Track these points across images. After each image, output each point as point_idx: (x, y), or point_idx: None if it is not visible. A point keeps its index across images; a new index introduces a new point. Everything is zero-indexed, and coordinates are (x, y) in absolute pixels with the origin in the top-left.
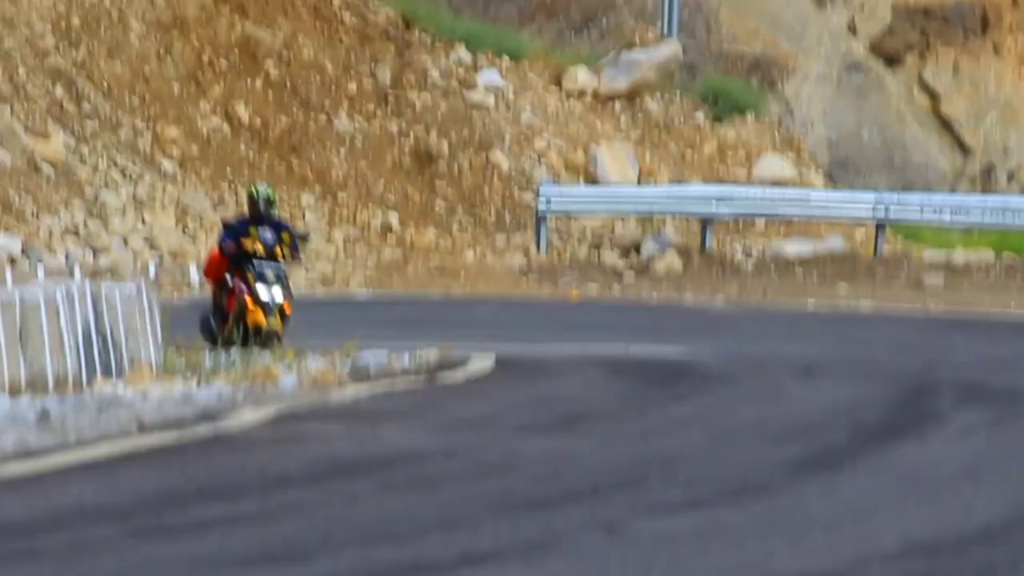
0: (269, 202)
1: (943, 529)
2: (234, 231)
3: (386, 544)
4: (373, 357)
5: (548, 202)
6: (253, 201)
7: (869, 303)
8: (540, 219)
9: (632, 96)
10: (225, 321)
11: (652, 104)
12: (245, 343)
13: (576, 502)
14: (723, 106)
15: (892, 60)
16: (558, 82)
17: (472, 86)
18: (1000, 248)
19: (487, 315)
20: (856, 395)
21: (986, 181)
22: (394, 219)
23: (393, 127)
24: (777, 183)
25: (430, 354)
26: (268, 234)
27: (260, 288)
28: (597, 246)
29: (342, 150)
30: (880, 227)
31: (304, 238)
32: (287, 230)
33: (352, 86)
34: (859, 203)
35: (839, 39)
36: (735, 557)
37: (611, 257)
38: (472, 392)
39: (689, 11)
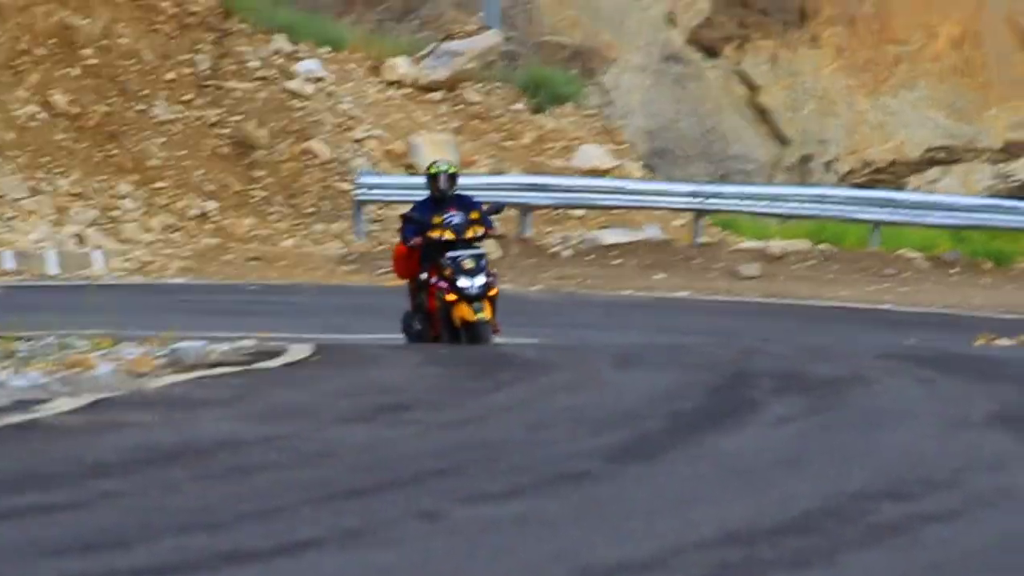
0: (452, 179)
1: (760, 517)
2: (416, 222)
3: (204, 532)
4: (190, 346)
5: (366, 190)
6: (435, 181)
7: (686, 293)
8: (358, 207)
9: (452, 86)
10: (431, 323)
11: (472, 94)
12: (457, 340)
13: (396, 490)
14: (543, 96)
15: (711, 51)
16: (378, 72)
17: (291, 76)
18: (816, 238)
19: (305, 303)
20: (673, 383)
21: (803, 172)
22: (212, 207)
23: (212, 116)
24: (595, 173)
25: (247, 343)
26: (456, 217)
27: (460, 280)
28: None
29: (160, 138)
30: (697, 217)
31: (499, 209)
32: (476, 207)
33: (171, 74)
34: (676, 193)
35: (658, 30)
36: (554, 545)
37: None
38: (291, 380)
39: (510, 1)
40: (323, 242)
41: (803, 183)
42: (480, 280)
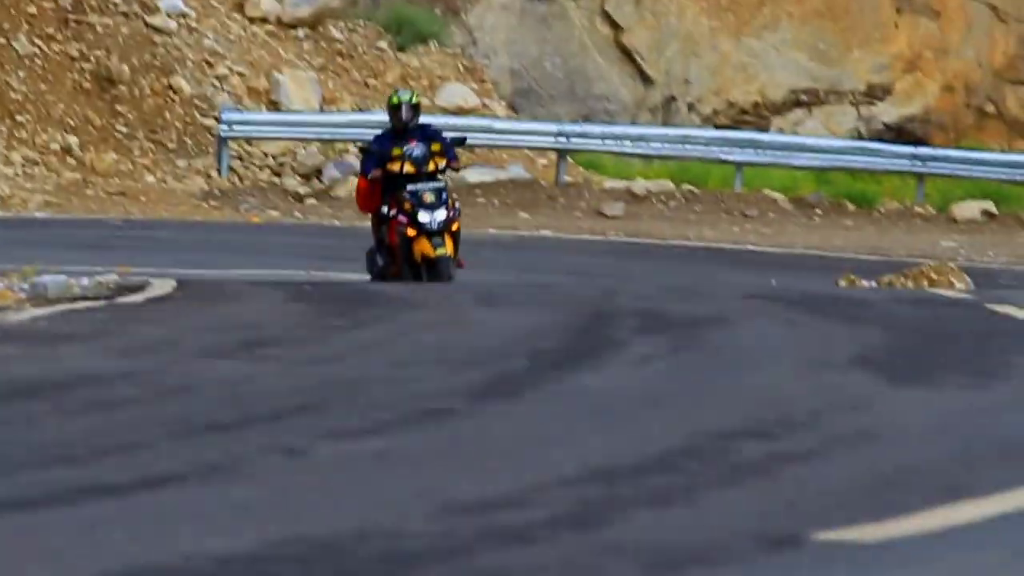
0: (415, 109)
1: (621, 455)
2: (376, 155)
3: (64, 466)
4: (52, 280)
5: (230, 127)
6: (396, 111)
7: (550, 232)
8: (222, 144)
9: (315, 24)
10: (393, 259)
11: (335, 32)
12: (419, 277)
13: (256, 426)
14: (406, 35)
15: None
16: (241, 9)
17: (154, 11)
18: (680, 179)
19: (167, 238)
20: (536, 322)
21: (667, 112)
22: (74, 142)
23: (73, 50)
24: (460, 111)
25: (109, 277)
26: (417, 149)
27: (420, 214)
28: (278, 173)
29: (21, 72)
30: (561, 157)
31: (460, 142)
32: (438, 139)
33: (32, 8)
34: (540, 132)
35: None
36: (415, 482)
37: (293, 183)
38: (152, 316)
39: None
40: (186, 178)
41: (667, 124)
42: (441, 214)
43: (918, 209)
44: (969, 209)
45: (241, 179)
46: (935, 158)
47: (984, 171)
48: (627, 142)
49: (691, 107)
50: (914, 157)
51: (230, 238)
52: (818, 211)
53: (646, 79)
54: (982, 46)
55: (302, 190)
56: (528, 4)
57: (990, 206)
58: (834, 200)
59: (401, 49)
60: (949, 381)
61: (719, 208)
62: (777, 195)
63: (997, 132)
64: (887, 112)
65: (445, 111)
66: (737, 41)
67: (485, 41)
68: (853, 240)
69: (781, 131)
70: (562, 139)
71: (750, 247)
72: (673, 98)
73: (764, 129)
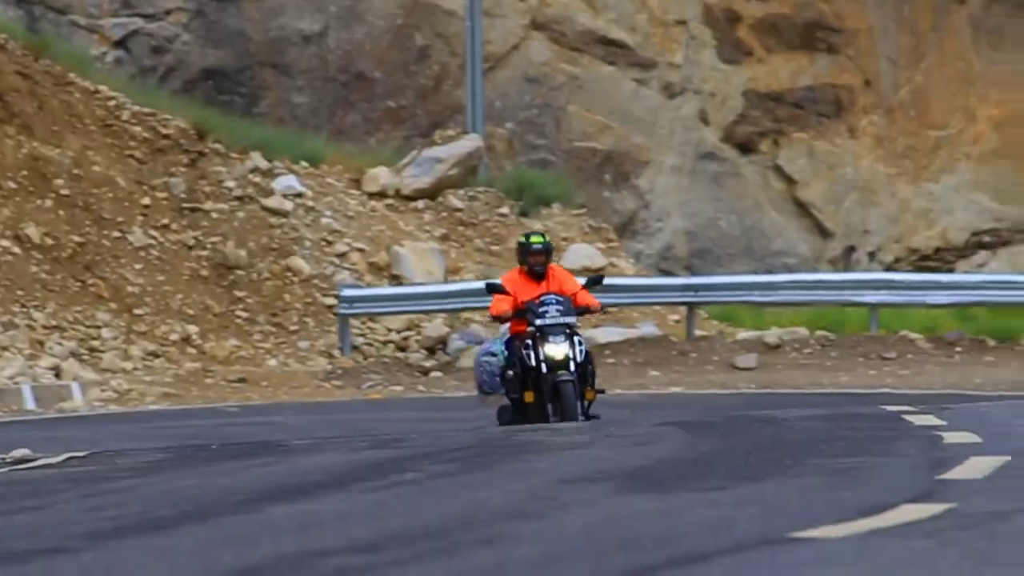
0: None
1: None
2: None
3: None
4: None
5: (350, 304)
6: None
7: (680, 388)
8: (343, 322)
9: (435, 194)
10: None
11: (455, 200)
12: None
13: None
14: (528, 199)
15: (746, 147)
16: (359, 184)
17: (269, 193)
18: (815, 325)
19: (285, 422)
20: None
21: (847, 262)
22: (193, 331)
23: (189, 239)
24: (587, 272)
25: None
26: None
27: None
28: (403, 348)
29: (138, 265)
30: (691, 310)
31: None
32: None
33: (146, 199)
34: (669, 288)
35: (691, 129)
36: None
37: (417, 357)
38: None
39: (538, 110)
40: (308, 359)
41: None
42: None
43: None
44: None
45: (364, 356)
46: None
47: None
48: (756, 291)
49: (872, 256)
50: None
51: (345, 418)
52: (958, 349)
53: (824, 232)
54: None
55: (427, 363)
56: (699, 163)
57: None
58: (975, 337)
59: (524, 214)
60: (683, 487)
61: (855, 352)
62: (916, 335)
63: None
64: None
65: (572, 272)
66: (916, 187)
67: (658, 204)
68: (994, 376)
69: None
70: (690, 293)
71: (885, 389)
72: (853, 248)
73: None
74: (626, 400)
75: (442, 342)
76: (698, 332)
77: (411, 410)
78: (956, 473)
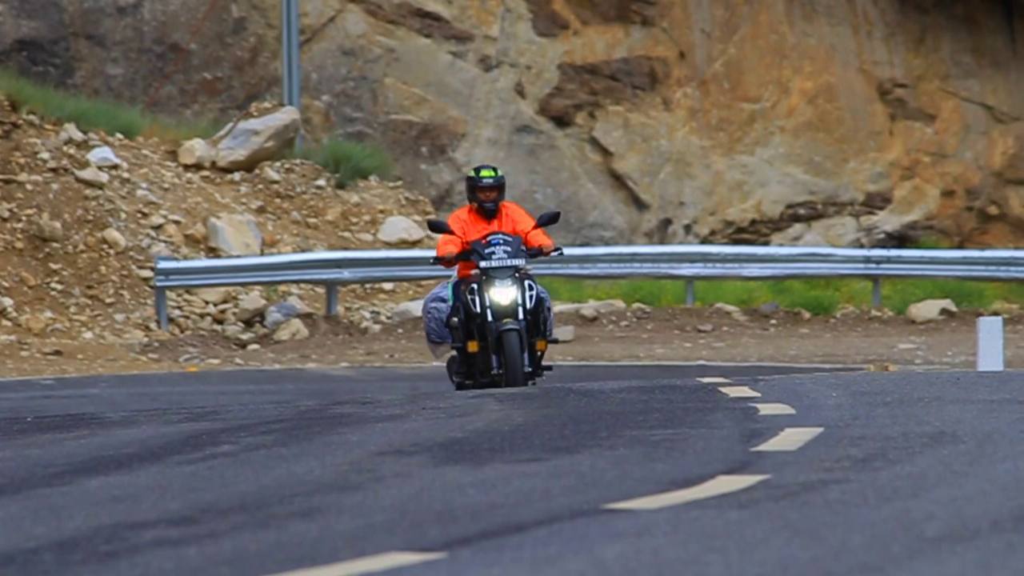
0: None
1: None
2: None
3: None
4: None
5: (166, 277)
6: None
7: None
8: (159, 295)
9: (251, 166)
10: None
11: (272, 173)
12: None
13: None
14: (346, 171)
15: (562, 120)
16: (174, 156)
17: (84, 165)
18: (631, 298)
19: (99, 395)
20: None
21: (663, 235)
22: (8, 303)
23: (3, 210)
24: (404, 245)
25: None
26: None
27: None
28: (220, 320)
29: None
30: None
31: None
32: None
33: None
34: None
35: (507, 102)
36: None
37: (235, 329)
38: None
39: (354, 82)
40: (124, 332)
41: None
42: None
43: (875, 313)
44: (927, 309)
45: (181, 329)
46: (889, 259)
47: (941, 269)
48: (574, 264)
49: (688, 229)
50: (868, 260)
51: (162, 391)
52: (773, 321)
53: (640, 204)
54: (980, 148)
55: (244, 336)
56: (516, 136)
57: (949, 305)
58: (790, 309)
59: (341, 187)
60: (498, 459)
61: (671, 325)
62: (731, 308)
63: (1001, 233)
64: (888, 221)
65: (389, 245)
66: (730, 160)
67: None
68: (808, 348)
69: (782, 246)
70: None
71: (701, 362)
72: (669, 221)
73: (766, 245)
74: (442, 373)
75: (259, 315)
76: None
77: (228, 383)
78: (770, 445)
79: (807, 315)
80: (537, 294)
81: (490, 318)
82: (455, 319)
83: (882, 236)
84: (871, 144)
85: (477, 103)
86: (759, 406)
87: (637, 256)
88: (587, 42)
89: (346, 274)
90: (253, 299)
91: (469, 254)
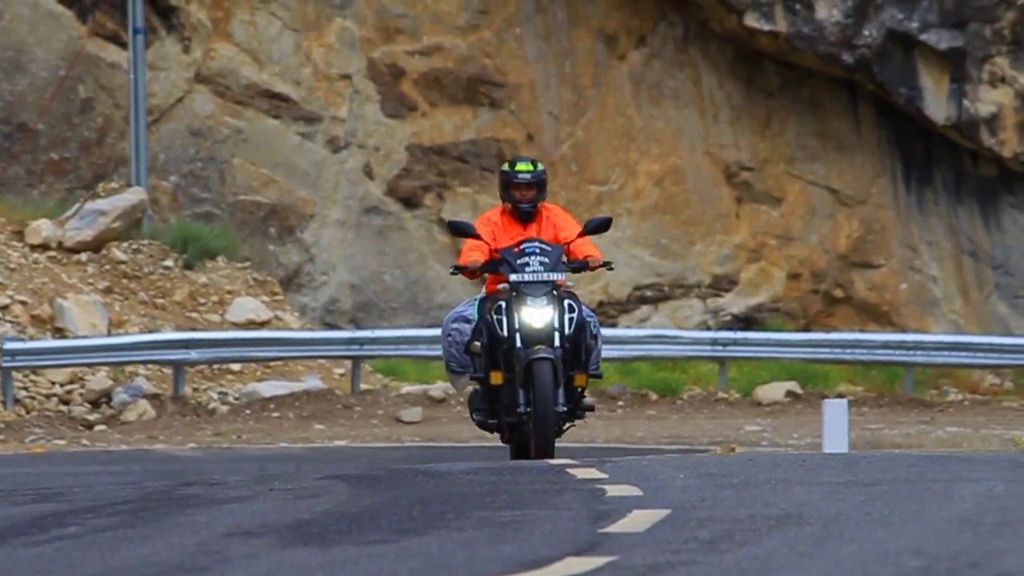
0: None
1: None
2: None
3: None
4: None
5: (12, 358)
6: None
7: (344, 441)
8: (5, 375)
9: (98, 247)
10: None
11: (119, 253)
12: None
13: None
14: (193, 252)
15: (411, 201)
16: (21, 236)
17: None
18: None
19: None
20: None
21: None
22: None
23: None
24: (252, 325)
25: None
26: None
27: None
28: (66, 401)
29: None
30: (356, 364)
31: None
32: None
33: None
34: (333, 341)
35: (356, 183)
36: None
37: (80, 410)
38: None
39: (202, 163)
40: None
41: None
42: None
43: (722, 394)
44: (773, 391)
45: (27, 410)
46: (736, 342)
47: (787, 352)
48: (422, 345)
49: None
50: (715, 342)
51: (7, 472)
52: (620, 403)
53: None
54: (826, 231)
55: (91, 417)
56: (364, 217)
57: (795, 387)
58: (637, 391)
59: (188, 267)
60: (346, 540)
61: None
62: None
63: (847, 316)
64: (735, 303)
65: (237, 326)
66: None
67: (322, 257)
68: (655, 429)
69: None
70: (355, 347)
71: None
72: None
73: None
74: (291, 454)
75: (106, 395)
76: (363, 386)
77: (75, 464)
78: (618, 526)
79: (654, 396)
80: (579, 317)
81: (519, 344)
82: (477, 343)
83: (728, 318)
84: (718, 227)
85: (326, 184)
86: (607, 487)
87: None
88: (435, 124)
89: (194, 355)
90: (100, 380)
91: (498, 264)
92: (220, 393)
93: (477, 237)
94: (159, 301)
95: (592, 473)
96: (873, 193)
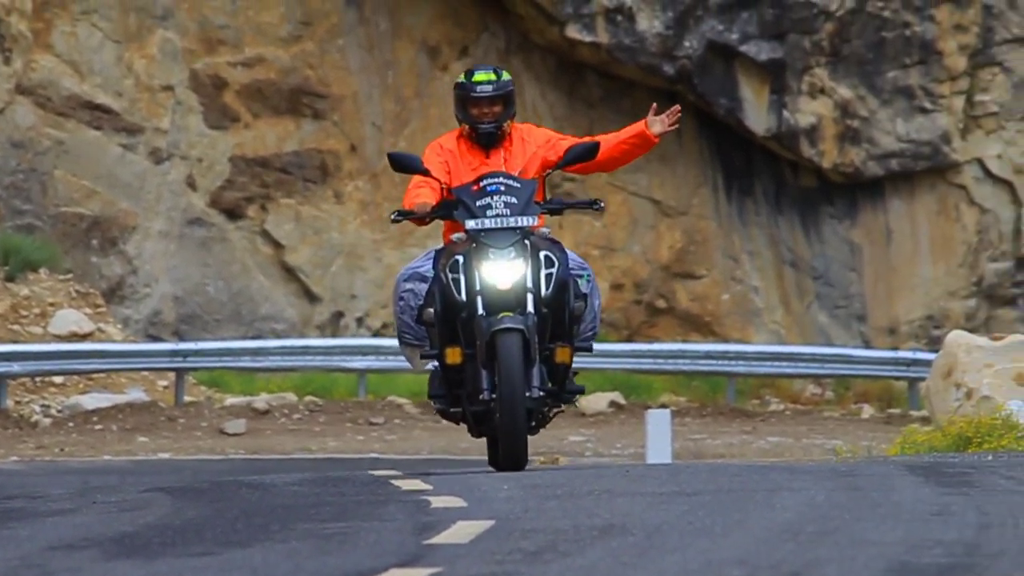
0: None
1: None
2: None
3: None
4: None
5: None
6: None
7: (168, 454)
8: None
9: None
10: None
11: None
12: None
13: None
14: (15, 264)
15: (234, 213)
16: None
17: None
18: (303, 391)
19: None
20: None
21: (336, 328)
22: None
23: None
24: (75, 337)
25: None
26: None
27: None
28: None
29: None
30: (180, 376)
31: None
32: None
33: None
34: (158, 353)
35: (178, 194)
36: None
37: None
38: None
39: (24, 175)
40: None
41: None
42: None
43: None
44: (597, 402)
45: None
46: None
47: (610, 363)
48: (245, 357)
49: (360, 321)
50: None
51: None
52: None
53: (312, 297)
54: (648, 241)
55: None
56: (187, 229)
57: (618, 397)
58: None
59: (10, 279)
60: (170, 553)
61: (344, 418)
62: (403, 400)
63: (670, 327)
64: None
65: (59, 338)
66: (402, 252)
67: (145, 269)
68: (479, 441)
69: None
70: (178, 359)
71: (373, 455)
72: (341, 314)
73: None
74: (114, 467)
75: None
76: (187, 398)
77: None
78: (442, 537)
79: None
80: (561, 273)
81: (480, 310)
82: (430, 310)
83: None
84: None
85: (148, 196)
86: (431, 499)
87: (309, 349)
88: (258, 135)
89: (16, 367)
90: None
91: (452, 207)
92: (43, 406)
93: (426, 173)
94: None
95: (416, 484)
96: (695, 204)
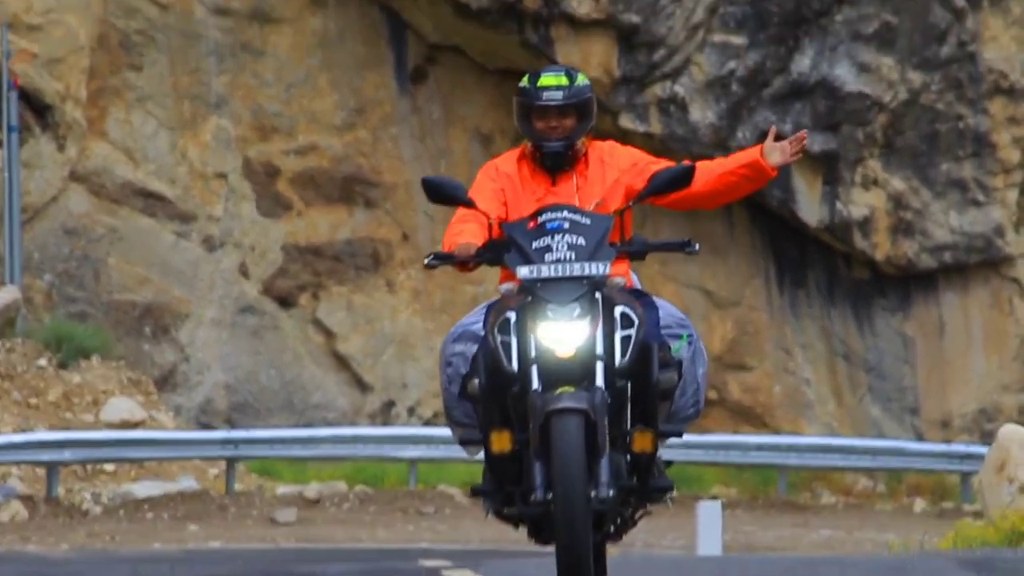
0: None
1: None
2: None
3: None
4: None
5: None
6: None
7: (218, 542)
8: None
9: None
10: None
11: None
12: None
13: None
14: (68, 351)
15: (286, 301)
16: None
17: None
18: (354, 480)
19: None
20: None
21: (387, 417)
22: None
23: None
24: (126, 426)
25: None
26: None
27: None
28: None
29: None
30: (230, 465)
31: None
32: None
33: None
34: (207, 441)
35: (231, 282)
36: None
37: None
38: None
39: (77, 262)
40: None
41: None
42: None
43: None
44: None
45: None
46: None
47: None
48: (296, 446)
49: (411, 411)
50: None
51: None
52: None
53: (363, 386)
54: (700, 332)
55: None
56: (239, 317)
57: None
58: None
59: (63, 366)
60: None
61: (394, 507)
62: (454, 490)
63: (721, 418)
64: None
65: (111, 426)
66: None
67: (197, 357)
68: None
69: None
70: (229, 447)
71: (423, 545)
72: (392, 403)
73: None
74: (165, 556)
75: None
76: (238, 486)
77: None
78: None
79: None
80: (642, 334)
81: (535, 384)
82: (475, 381)
83: None
84: None
85: (201, 283)
86: None
87: (360, 438)
88: (310, 223)
89: (67, 455)
90: None
91: (501, 249)
92: (94, 494)
93: (470, 204)
94: (32, 401)
95: (467, 574)
96: (747, 295)
